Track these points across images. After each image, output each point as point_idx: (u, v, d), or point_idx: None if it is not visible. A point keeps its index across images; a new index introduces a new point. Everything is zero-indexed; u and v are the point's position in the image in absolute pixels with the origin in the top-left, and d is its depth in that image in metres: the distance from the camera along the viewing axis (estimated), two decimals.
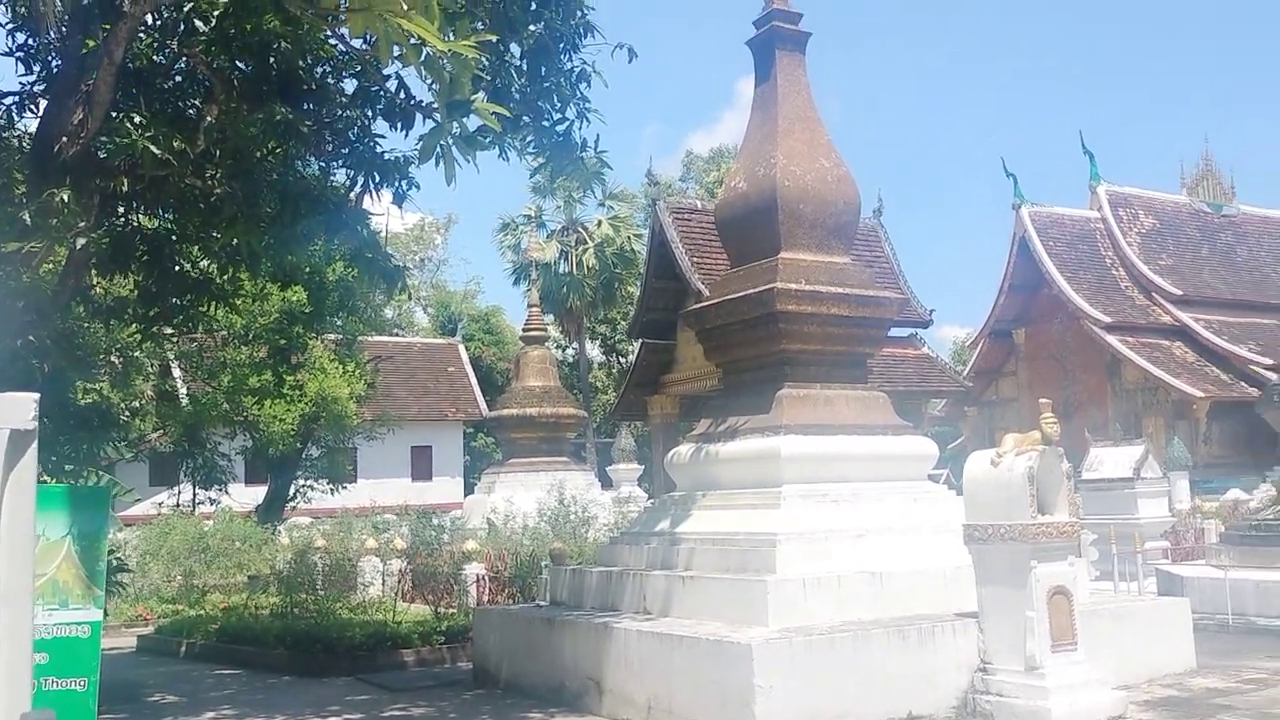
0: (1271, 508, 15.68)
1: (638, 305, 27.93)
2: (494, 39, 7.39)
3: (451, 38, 4.60)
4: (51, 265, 10.40)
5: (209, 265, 10.67)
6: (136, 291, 10.56)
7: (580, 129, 9.25)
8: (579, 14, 9.10)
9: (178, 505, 27.19)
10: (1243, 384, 30.28)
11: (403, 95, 8.46)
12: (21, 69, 9.08)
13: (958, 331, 60.30)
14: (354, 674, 12.53)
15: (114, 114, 8.30)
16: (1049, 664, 8.12)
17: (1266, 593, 13.44)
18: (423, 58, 4.62)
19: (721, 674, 8.22)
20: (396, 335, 48.42)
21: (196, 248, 10.38)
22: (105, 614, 9.66)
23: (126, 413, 22.34)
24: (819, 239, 11.33)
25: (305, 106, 8.91)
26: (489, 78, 8.48)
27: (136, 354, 20.56)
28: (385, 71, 8.50)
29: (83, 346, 12.43)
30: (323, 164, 9.85)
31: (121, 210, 9.56)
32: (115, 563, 11.64)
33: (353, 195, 9.55)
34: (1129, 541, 14.57)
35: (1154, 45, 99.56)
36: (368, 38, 7.03)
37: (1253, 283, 34.69)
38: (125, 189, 8.61)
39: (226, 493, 25.70)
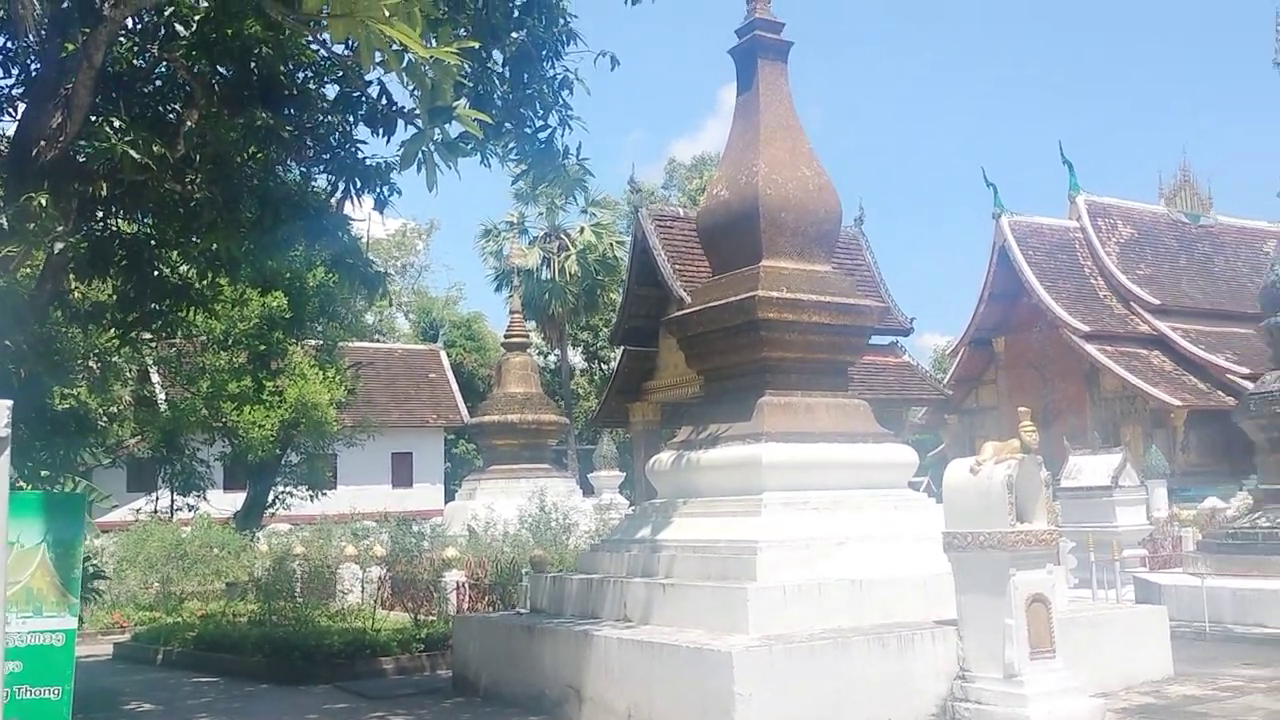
0: (1248, 516, 15.82)
1: (620, 312, 27.95)
2: (476, 45, 7.40)
3: (433, 44, 4.60)
4: (29, 269, 10.34)
5: (188, 270, 10.61)
6: (115, 296, 10.49)
7: (562, 136, 9.28)
8: (561, 22, 9.12)
9: (156, 511, 27.01)
10: (1220, 393, 30.53)
11: (384, 101, 8.46)
12: (0, 72, 9.03)
13: (938, 339, 60.63)
14: (332, 682, 12.46)
15: (93, 118, 8.24)
16: (1027, 672, 8.15)
17: (1243, 601, 13.55)
18: (404, 64, 4.62)
19: (702, 682, 8.21)
20: (377, 341, 48.27)
21: (176, 253, 10.32)
22: (81, 621, 9.57)
23: (104, 418, 22.20)
24: (800, 247, 11.37)
25: (286, 112, 8.88)
26: (471, 84, 8.49)
27: (115, 359, 20.41)
28: (367, 77, 8.48)
29: (60, 351, 12.34)
30: (304, 169, 9.82)
31: (100, 215, 9.50)
32: (92, 569, 11.52)
33: (334, 201, 9.52)
34: (1107, 549, 14.63)
35: (1132, 56, 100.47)
36: (349, 43, 7.00)
37: (1230, 292, 34.98)
38: (104, 193, 8.56)
39: (205, 499, 25.53)
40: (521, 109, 9.10)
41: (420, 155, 5.21)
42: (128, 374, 24.68)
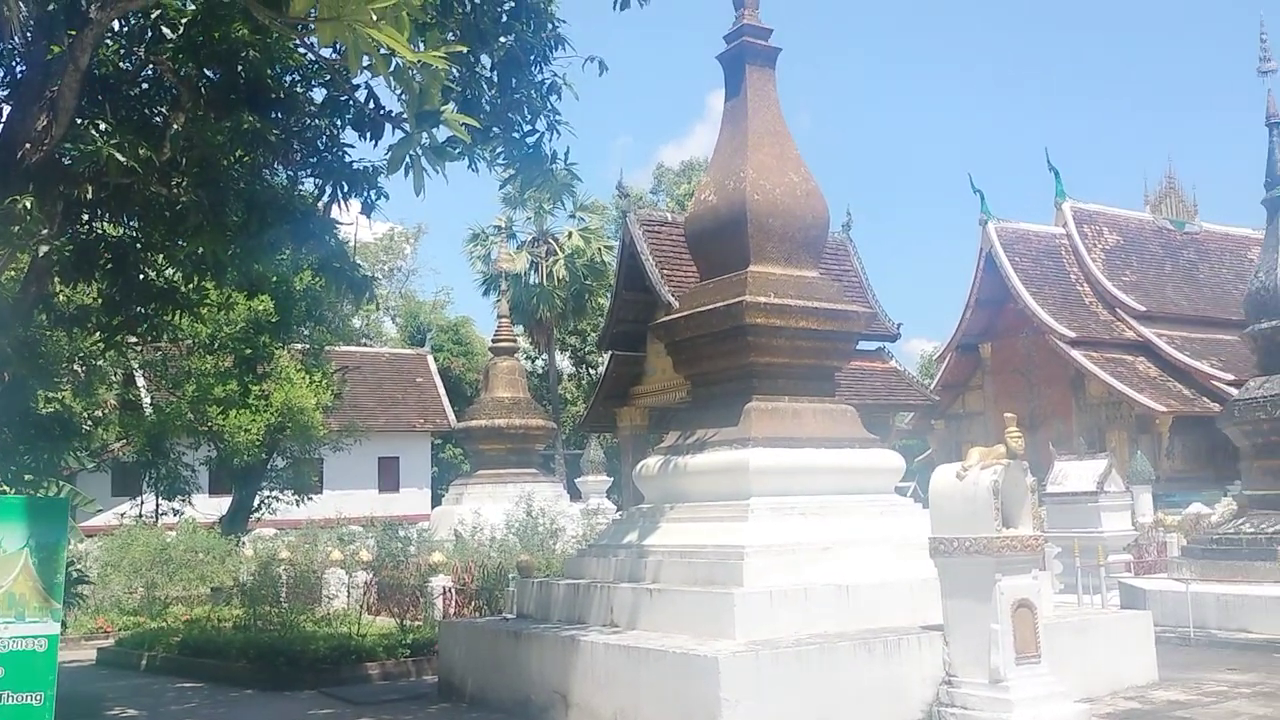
0: (1232, 522, 15.91)
1: (608, 317, 27.91)
2: (464, 50, 7.38)
3: (421, 48, 4.59)
4: (13, 273, 10.27)
5: (174, 274, 10.57)
6: (100, 299, 10.44)
7: (550, 141, 9.28)
8: (550, 27, 9.13)
9: (140, 516, 26.90)
10: (1205, 399, 30.66)
11: (372, 105, 8.45)
12: None
13: (925, 345, 60.81)
14: (318, 687, 12.42)
15: (79, 120, 8.21)
16: (1013, 677, 8.17)
17: (1227, 606, 13.62)
18: (392, 68, 4.62)
19: (688, 687, 8.21)
20: (364, 345, 48.15)
21: (161, 256, 10.28)
22: (64, 626, 9.53)
23: (89, 422, 22.11)
24: (788, 253, 11.39)
25: (273, 115, 8.86)
26: (459, 89, 8.48)
27: (99, 363, 20.34)
28: (354, 81, 8.46)
29: (44, 355, 12.26)
30: (290, 173, 9.79)
31: (85, 218, 9.46)
32: (75, 574, 11.46)
33: (321, 205, 9.50)
34: (1092, 555, 14.71)
35: (1118, 63, 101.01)
36: (337, 47, 6.99)
37: (1214, 299, 35.15)
38: (89, 196, 8.51)
39: (190, 503, 25.44)
40: (509, 114, 9.10)
41: (408, 159, 5.21)
42: (113, 378, 24.61)
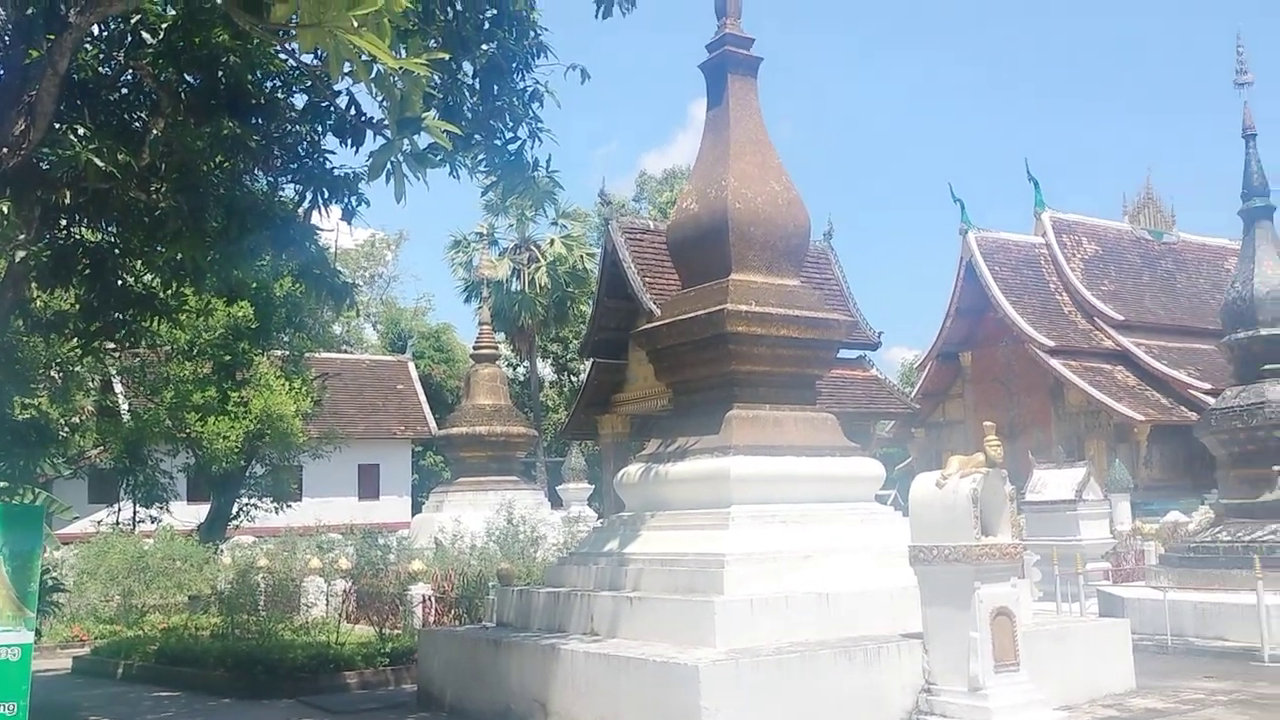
0: (1209, 530, 16.01)
1: (589, 324, 27.90)
2: (446, 57, 7.38)
3: (403, 55, 4.59)
4: None
5: (153, 280, 10.51)
6: (78, 305, 10.38)
7: (532, 148, 9.28)
8: (532, 34, 9.13)
9: (117, 523, 26.66)
10: (1182, 408, 30.89)
11: (353, 111, 8.42)
12: None
13: (906, 354, 61.08)
14: (296, 696, 12.33)
15: (57, 125, 8.16)
16: (992, 684, 8.20)
17: (1204, 614, 13.70)
18: (373, 74, 4.61)
19: (668, 696, 8.19)
20: (345, 352, 47.95)
21: (140, 262, 10.22)
22: (39, 635, 9.43)
23: (66, 428, 21.92)
24: (769, 261, 11.42)
25: (254, 121, 8.83)
26: (440, 95, 8.47)
27: (77, 369, 20.18)
28: (336, 87, 8.46)
29: (21, 361, 12.18)
30: (271, 179, 9.76)
31: (63, 223, 9.39)
32: (51, 582, 11.37)
33: (301, 211, 9.46)
34: (1071, 563, 14.78)
35: (1098, 74, 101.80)
36: (318, 53, 6.99)
37: (1192, 309, 35.45)
38: (68, 201, 8.47)
39: (168, 511, 25.26)
40: (491, 121, 9.09)
41: (389, 166, 5.20)
42: (90, 384, 24.40)
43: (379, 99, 5.11)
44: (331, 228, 10.03)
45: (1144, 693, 10.27)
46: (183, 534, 24.06)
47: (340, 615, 16.82)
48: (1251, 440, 15.29)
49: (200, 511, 27.86)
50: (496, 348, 29.79)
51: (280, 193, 9.89)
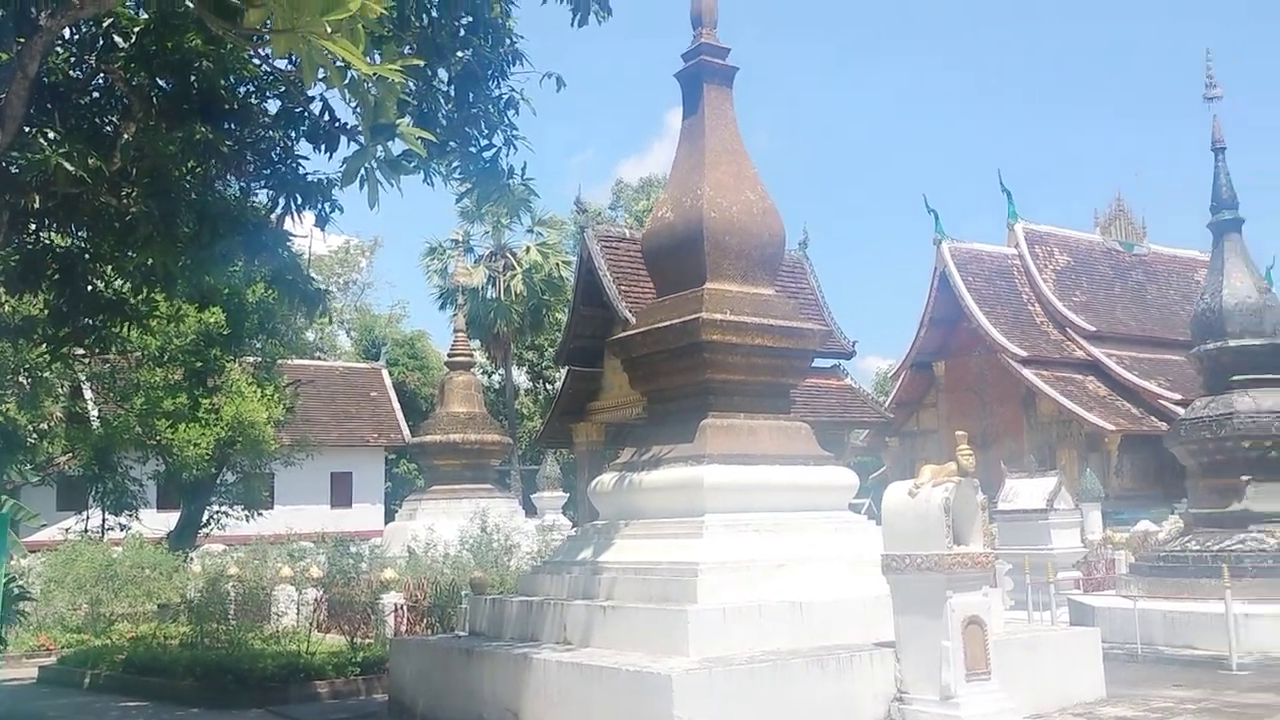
0: (1178, 540, 16.16)
1: (565, 332, 27.90)
2: (421, 64, 7.37)
3: (377, 61, 4.57)
4: None
5: (123, 285, 10.41)
6: (47, 311, 10.26)
7: (508, 156, 9.26)
8: (508, 42, 9.12)
9: (86, 531, 26.40)
10: (1153, 418, 31.18)
11: (327, 117, 8.39)
12: None
13: (880, 363, 61.22)
14: (265, 706, 12.25)
15: (27, 129, 8.06)
16: (963, 693, 8.23)
17: (1174, 623, 13.82)
18: (347, 80, 4.58)
19: (641, 705, 8.18)
20: (318, 359, 47.66)
21: (110, 267, 10.12)
22: (4, 644, 9.31)
23: (34, 435, 21.70)
24: (744, 270, 11.45)
25: (226, 126, 8.76)
26: (415, 102, 8.45)
27: (46, 374, 19.98)
28: (309, 93, 8.41)
29: None
30: (243, 184, 9.69)
31: (33, 227, 9.29)
32: (17, 590, 11.23)
33: (274, 217, 9.40)
34: (1042, 572, 14.87)
35: (1070, 87, 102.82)
36: (292, 59, 6.94)
37: (1162, 320, 35.82)
38: (37, 206, 8.37)
39: (137, 518, 25.01)
40: (466, 128, 9.07)
41: (363, 172, 5.17)
42: (59, 390, 24.16)
43: (353, 105, 5.08)
44: (305, 234, 9.96)
45: (1114, 701, 10.34)
46: (152, 542, 23.82)
47: (311, 624, 16.68)
48: (1220, 450, 15.45)
49: (170, 519, 27.59)
50: (471, 355, 29.73)
51: (253, 198, 9.83)
